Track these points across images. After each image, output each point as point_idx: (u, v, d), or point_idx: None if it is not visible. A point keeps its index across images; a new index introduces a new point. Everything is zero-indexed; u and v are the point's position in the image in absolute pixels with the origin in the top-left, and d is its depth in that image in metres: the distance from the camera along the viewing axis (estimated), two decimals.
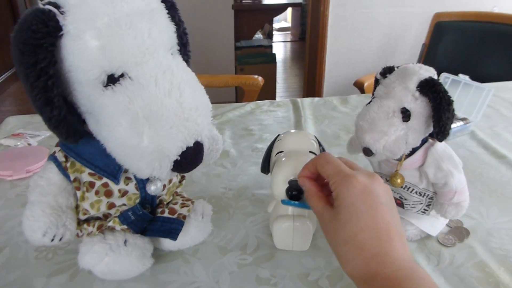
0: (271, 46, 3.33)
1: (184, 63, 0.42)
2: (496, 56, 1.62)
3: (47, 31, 0.35)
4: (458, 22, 1.75)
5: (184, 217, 0.52)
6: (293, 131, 0.57)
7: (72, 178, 0.46)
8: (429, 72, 0.49)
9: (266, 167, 0.56)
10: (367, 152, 0.49)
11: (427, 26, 1.85)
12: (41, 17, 0.35)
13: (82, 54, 0.36)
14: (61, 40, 0.36)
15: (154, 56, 0.39)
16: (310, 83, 2.60)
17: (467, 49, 1.71)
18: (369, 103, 0.51)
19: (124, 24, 0.37)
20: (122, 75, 0.37)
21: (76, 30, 0.36)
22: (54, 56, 0.36)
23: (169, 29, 0.42)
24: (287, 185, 0.47)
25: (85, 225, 0.49)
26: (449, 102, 0.46)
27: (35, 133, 0.89)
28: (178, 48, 0.44)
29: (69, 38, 0.36)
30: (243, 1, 3.25)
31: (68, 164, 0.46)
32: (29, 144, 0.85)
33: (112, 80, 0.37)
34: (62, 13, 0.36)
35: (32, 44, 0.35)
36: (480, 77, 0.93)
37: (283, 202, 0.48)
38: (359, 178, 0.38)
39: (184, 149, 0.38)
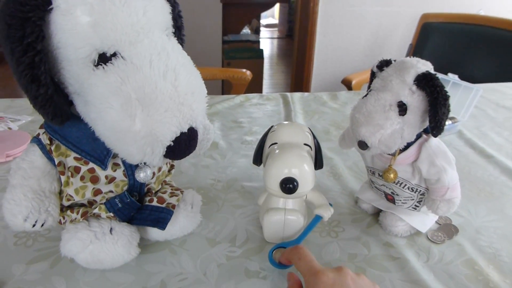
0: (258, 42, 3.32)
1: (179, 46, 0.41)
2: (481, 58, 1.64)
3: (36, 4, 0.33)
4: (445, 23, 1.76)
5: (174, 206, 0.50)
6: (287, 122, 0.56)
7: (56, 162, 0.44)
8: (426, 66, 0.49)
9: (258, 159, 0.54)
10: (362, 145, 0.49)
11: (414, 27, 1.87)
12: None
13: (72, 30, 0.34)
14: (50, 14, 0.34)
15: (148, 36, 0.37)
16: (298, 79, 2.60)
17: (453, 50, 1.72)
18: (365, 96, 0.50)
19: (118, 1, 0.35)
20: (114, 54, 0.36)
21: (66, 4, 0.34)
22: (42, 31, 0.34)
23: (165, 9, 0.40)
24: (281, 178, 0.46)
25: (68, 212, 0.47)
26: (445, 97, 0.46)
27: (16, 117, 0.86)
28: (173, 30, 0.42)
29: (58, 13, 0.34)
30: None
31: (53, 147, 0.44)
32: (10, 128, 0.82)
33: (103, 59, 0.36)
34: None
35: (20, 17, 0.33)
36: (466, 78, 0.93)
37: (270, 259, 0.50)
38: (328, 273, 0.39)
39: (178, 134, 0.37)
